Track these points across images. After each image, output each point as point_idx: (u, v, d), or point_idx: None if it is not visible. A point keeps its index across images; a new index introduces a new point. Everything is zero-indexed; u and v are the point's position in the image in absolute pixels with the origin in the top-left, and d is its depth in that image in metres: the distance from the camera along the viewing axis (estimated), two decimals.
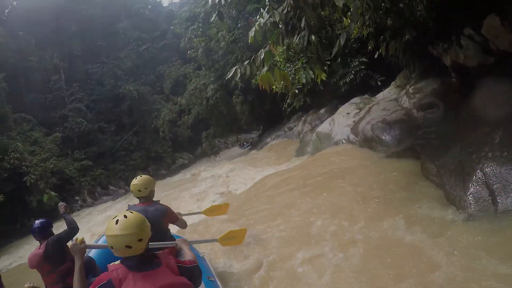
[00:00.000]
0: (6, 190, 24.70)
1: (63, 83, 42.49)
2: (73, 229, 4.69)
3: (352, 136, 12.02)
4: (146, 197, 5.06)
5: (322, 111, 18.96)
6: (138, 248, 2.63)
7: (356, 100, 14.63)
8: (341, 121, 13.57)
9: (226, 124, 31.53)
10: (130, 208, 4.90)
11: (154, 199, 5.29)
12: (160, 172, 40.77)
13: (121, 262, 2.71)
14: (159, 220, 4.98)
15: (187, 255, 3.27)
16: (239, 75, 5.55)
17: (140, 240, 2.63)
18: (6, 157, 26.29)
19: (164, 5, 68.81)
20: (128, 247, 2.59)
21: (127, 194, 32.94)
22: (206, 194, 14.61)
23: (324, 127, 14.64)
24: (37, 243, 4.61)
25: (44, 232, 4.57)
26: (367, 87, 15.30)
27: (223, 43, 26.08)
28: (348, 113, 13.81)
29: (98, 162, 37.93)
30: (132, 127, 42.45)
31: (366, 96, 14.71)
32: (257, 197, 10.48)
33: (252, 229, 7.36)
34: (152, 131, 40.08)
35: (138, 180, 5.02)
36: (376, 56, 12.05)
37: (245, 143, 39.68)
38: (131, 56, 50.49)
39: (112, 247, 2.66)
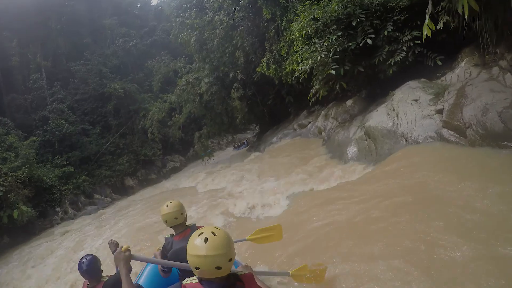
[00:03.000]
0: None
1: (44, 82, 37.27)
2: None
3: (447, 132, 7.75)
4: (182, 224, 4.35)
5: (349, 103, 14.41)
6: (227, 268, 2.25)
7: (414, 84, 10.21)
8: (412, 111, 9.03)
9: (222, 123, 26.84)
10: (168, 241, 4.31)
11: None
12: (149, 176, 36.40)
13: (200, 283, 2.32)
14: None
15: None
16: None
17: (230, 260, 2.25)
18: None
19: (152, 4, 63.51)
20: (218, 268, 2.20)
21: (113, 203, 29.28)
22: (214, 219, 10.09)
23: (378, 121, 9.91)
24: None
25: (92, 272, 4.36)
26: (420, 69, 11.02)
27: (220, 28, 20.97)
28: (416, 100, 9.09)
29: (82, 168, 32.84)
30: (118, 128, 37.32)
31: (423, 80, 10.46)
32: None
33: None
34: (141, 132, 35.85)
35: (171, 207, 4.25)
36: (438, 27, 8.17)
37: (239, 144, 36.28)
38: (117, 53, 45.54)
39: (197, 268, 2.23)
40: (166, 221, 4.33)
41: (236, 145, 37.25)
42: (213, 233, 2.21)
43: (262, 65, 17.83)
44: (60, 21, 42.46)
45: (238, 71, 21.69)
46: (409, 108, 9.08)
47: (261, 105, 23.84)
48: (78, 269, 4.31)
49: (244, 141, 36.72)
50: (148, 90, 41.55)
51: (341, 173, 9.62)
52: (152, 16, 52.72)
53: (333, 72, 11.14)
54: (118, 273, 3.92)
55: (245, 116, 25.25)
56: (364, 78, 12.62)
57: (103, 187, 33.07)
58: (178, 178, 29.62)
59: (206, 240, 2.17)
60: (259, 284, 2.52)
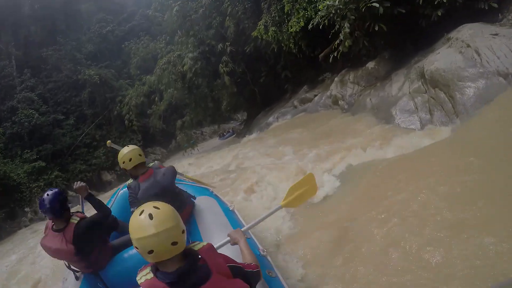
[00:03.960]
0: None
1: (13, 70, 34.11)
2: (105, 213, 3.95)
3: None
4: (143, 164, 4.17)
5: (370, 65, 11.52)
6: (183, 242, 1.89)
7: (473, 26, 7.60)
8: (500, 43, 6.35)
9: (207, 108, 23.59)
10: (133, 185, 4.13)
11: None
12: None
13: (156, 276, 1.88)
14: (173, 182, 4.33)
15: (246, 256, 2.41)
16: None
17: (183, 231, 1.90)
18: None
19: None
20: (174, 243, 1.82)
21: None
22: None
23: (449, 62, 6.87)
24: None
25: (57, 209, 3.53)
26: (464, 14, 8.57)
27: None
28: (496, 34, 6.66)
29: (54, 162, 29.98)
30: (94, 118, 34.25)
31: (480, 23, 7.87)
32: None
33: None
34: (118, 122, 32.76)
35: (133, 146, 4.21)
36: None
37: (225, 133, 33.40)
38: (93, 40, 42.33)
39: (151, 251, 1.80)
40: (130, 159, 4.01)
41: (221, 134, 34.26)
42: (155, 207, 1.85)
43: (259, 28, 14.69)
44: (33, 6, 39.11)
45: (227, 43, 18.62)
46: (493, 41, 6.26)
47: (251, 84, 20.79)
48: (40, 207, 3.55)
49: (230, 130, 33.82)
50: (127, 77, 38.13)
51: (408, 137, 6.55)
52: (131, 2, 49.47)
53: (377, 4, 8.23)
54: (95, 215, 3.85)
55: (233, 99, 22.33)
56: (400, 26, 9.78)
57: None
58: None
59: (151, 216, 1.80)
60: (220, 256, 2.08)
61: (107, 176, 31.71)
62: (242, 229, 2.89)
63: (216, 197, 5.10)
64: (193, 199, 4.68)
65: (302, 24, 12.35)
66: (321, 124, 11.04)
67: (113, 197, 5.39)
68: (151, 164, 4.44)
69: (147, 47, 30.22)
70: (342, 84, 12.36)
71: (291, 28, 13.03)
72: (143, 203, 2.02)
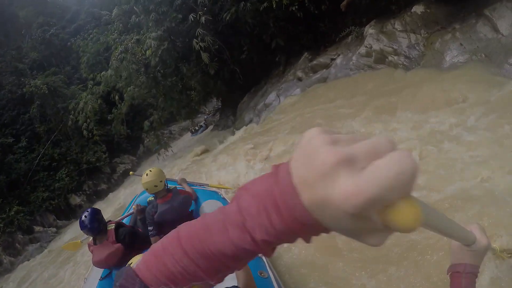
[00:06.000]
0: None
1: None
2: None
3: None
4: (163, 190, 4.53)
5: (418, 9, 9.07)
6: None
7: None
8: None
9: (180, 100, 19.74)
10: (152, 204, 4.51)
11: None
12: (99, 187, 29.06)
13: None
14: (188, 210, 4.83)
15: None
16: None
17: None
18: None
19: None
20: None
21: (61, 232, 22.96)
22: None
23: None
24: None
25: (97, 226, 4.02)
26: None
27: None
28: None
29: (12, 195, 24.95)
30: (49, 135, 29.25)
31: None
32: None
33: None
34: (77, 135, 28.15)
35: (151, 175, 4.40)
36: None
37: (197, 128, 30.70)
38: (36, 47, 37.69)
39: None
40: (147, 189, 4.44)
41: (193, 130, 30.93)
42: None
43: None
44: None
45: (200, 12, 14.36)
46: None
47: (230, 63, 16.62)
48: (81, 228, 3.96)
49: (202, 123, 30.69)
50: (79, 82, 33.54)
51: None
52: (74, 2, 45.40)
53: None
54: (133, 227, 4.71)
55: (208, 85, 18.56)
56: None
57: (43, 214, 25.16)
58: (137, 181, 22.64)
59: None
60: None
61: (76, 199, 27.12)
62: None
63: (223, 200, 5.16)
64: None
65: None
66: (380, 92, 7.21)
67: (131, 204, 5.78)
68: (171, 187, 4.64)
69: (97, 42, 25.57)
70: (387, 36, 8.93)
71: None
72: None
